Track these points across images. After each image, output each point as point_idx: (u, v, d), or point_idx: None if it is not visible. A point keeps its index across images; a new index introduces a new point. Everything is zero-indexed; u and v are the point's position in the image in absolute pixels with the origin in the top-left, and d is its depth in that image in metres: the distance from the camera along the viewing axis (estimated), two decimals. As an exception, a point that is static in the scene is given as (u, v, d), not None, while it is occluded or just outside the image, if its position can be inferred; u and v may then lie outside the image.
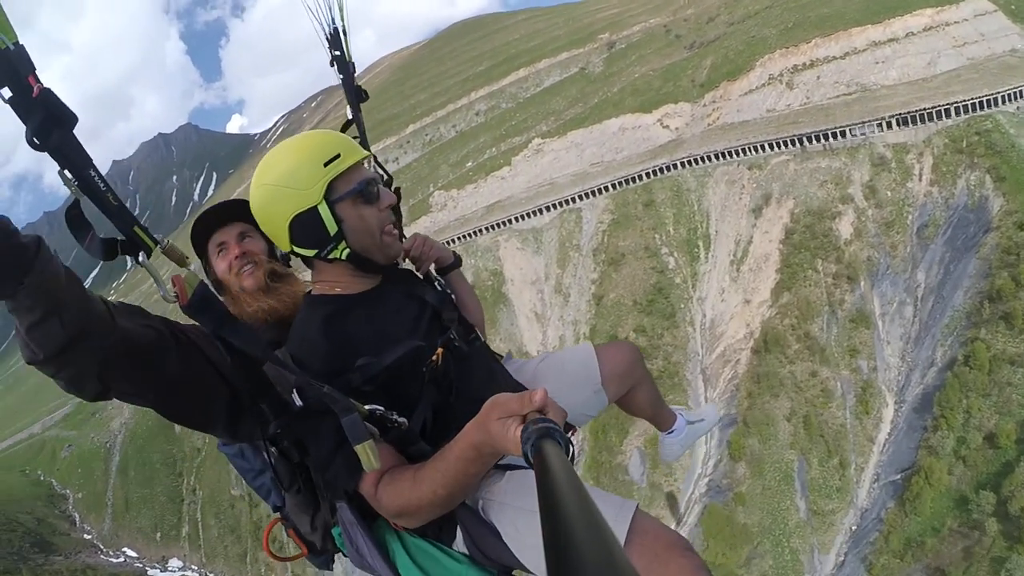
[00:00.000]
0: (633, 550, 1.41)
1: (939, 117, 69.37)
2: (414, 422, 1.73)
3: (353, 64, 2.49)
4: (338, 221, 1.75)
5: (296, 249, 1.82)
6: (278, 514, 2.34)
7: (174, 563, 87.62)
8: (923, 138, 69.50)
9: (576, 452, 1.49)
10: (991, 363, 52.66)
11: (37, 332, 1.44)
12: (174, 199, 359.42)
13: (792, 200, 69.95)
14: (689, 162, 78.59)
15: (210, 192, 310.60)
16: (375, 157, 2.22)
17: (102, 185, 1.32)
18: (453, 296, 2.20)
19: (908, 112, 70.26)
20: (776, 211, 70.26)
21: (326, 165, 1.72)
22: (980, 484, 48.46)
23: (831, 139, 71.70)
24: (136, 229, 1.44)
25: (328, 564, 2.36)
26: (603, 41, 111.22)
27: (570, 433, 2.06)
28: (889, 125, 70.60)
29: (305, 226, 1.75)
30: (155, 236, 1.50)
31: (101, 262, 1.56)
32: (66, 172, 1.28)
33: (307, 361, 1.69)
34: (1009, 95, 68.18)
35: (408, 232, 2.33)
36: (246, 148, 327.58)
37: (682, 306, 70.94)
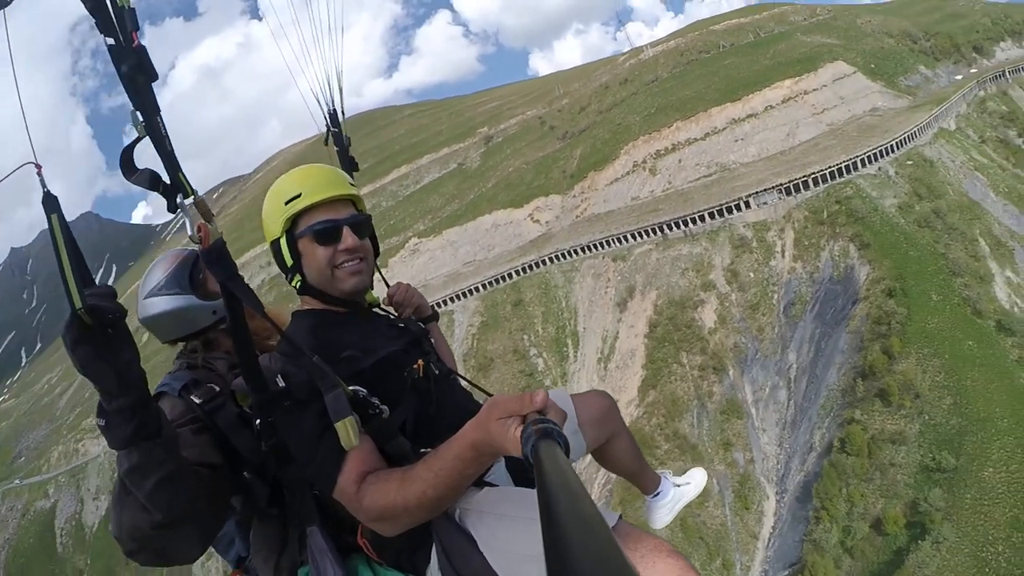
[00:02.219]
0: None
1: (797, 190, 69.31)
2: (394, 416, 1.77)
3: (348, 138, 2.90)
4: (296, 255, 1.90)
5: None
6: (238, 569, 2.27)
7: None
8: (783, 213, 69.32)
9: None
10: (870, 445, 50.44)
11: (167, 489, 1.53)
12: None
13: (655, 291, 68.59)
14: (557, 257, 77.28)
15: (110, 283, 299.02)
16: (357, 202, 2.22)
17: (163, 131, 1.50)
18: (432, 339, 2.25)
19: (765, 189, 70.17)
20: (640, 303, 68.71)
21: (287, 203, 1.87)
22: (871, 578, 45.41)
23: (690, 224, 71.13)
24: (180, 175, 1.58)
25: None
26: (481, 135, 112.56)
27: None
28: (747, 205, 70.34)
29: (274, 254, 1.94)
30: (192, 187, 1.63)
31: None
32: (137, 113, 1.45)
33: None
34: (868, 157, 68.31)
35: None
36: (148, 240, 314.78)
37: (552, 411, 67.07)
